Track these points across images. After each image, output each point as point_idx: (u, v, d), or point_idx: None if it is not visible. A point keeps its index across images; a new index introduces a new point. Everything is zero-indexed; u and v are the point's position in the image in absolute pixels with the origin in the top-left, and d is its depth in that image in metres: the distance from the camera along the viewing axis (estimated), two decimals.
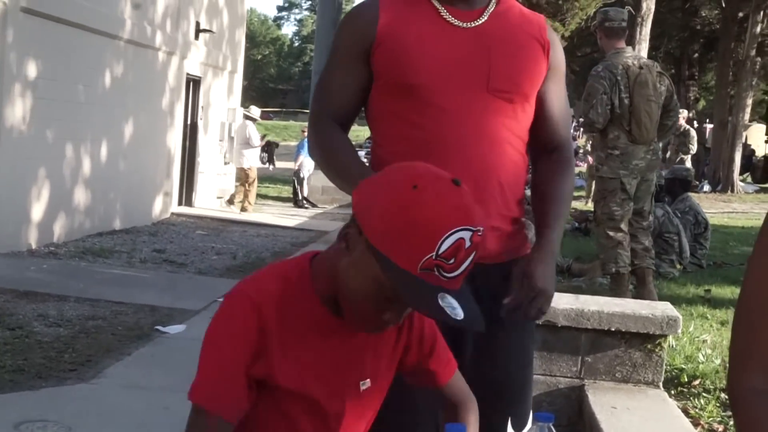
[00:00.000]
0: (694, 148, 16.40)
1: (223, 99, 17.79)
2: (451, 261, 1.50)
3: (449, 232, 1.49)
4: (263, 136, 21.81)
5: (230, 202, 17.23)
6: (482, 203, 2.06)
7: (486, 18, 2.32)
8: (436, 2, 2.31)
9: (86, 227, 11.71)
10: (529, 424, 2.44)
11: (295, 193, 19.29)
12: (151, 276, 9.36)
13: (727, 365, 1.60)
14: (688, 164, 15.65)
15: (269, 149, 28.66)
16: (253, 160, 17.52)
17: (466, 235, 1.51)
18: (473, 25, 2.30)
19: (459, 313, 1.52)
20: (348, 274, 1.60)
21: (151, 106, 13.88)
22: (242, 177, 17.17)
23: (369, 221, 1.53)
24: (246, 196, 16.93)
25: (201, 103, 16.40)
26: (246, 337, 1.61)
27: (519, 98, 2.29)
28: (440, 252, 1.49)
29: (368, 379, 1.74)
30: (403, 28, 2.27)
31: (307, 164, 18.98)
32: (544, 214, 2.34)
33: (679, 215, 9.17)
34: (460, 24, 2.29)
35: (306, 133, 19.30)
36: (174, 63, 14.70)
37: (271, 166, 28.74)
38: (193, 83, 16.00)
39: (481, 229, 1.55)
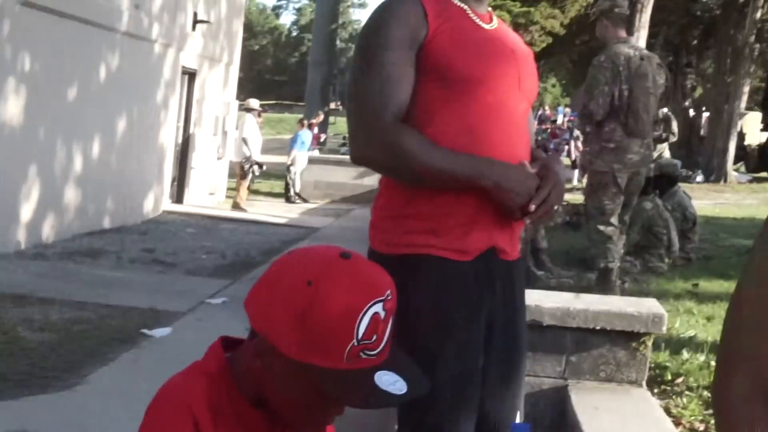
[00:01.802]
0: (674, 136, 16.15)
1: (219, 92, 17.66)
2: (373, 338, 1.43)
3: (361, 314, 1.41)
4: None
5: (236, 205, 16.56)
6: None
7: (497, 24, 2.42)
8: (458, 2, 2.36)
9: (75, 226, 11.61)
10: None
11: (287, 188, 19.02)
12: (139, 277, 9.31)
13: (714, 366, 1.53)
14: (667, 154, 15.42)
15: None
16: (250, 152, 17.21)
17: (378, 307, 1.43)
18: (492, 28, 2.38)
19: (401, 386, 1.45)
20: (274, 387, 1.49)
21: (146, 101, 13.77)
22: (237, 170, 16.90)
23: (278, 337, 1.44)
24: (239, 190, 16.68)
25: (196, 96, 16.25)
26: None
27: (531, 102, 2.46)
28: (360, 337, 1.42)
29: None
30: (448, 24, 2.30)
31: (299, 159, 18.81)
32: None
33: (669, 209, 9.08)
34: (484, 25, 2.36)
35: (303, 126, 18.88)
36: (170, 56, 14.54)
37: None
38: (189, 76, 15.86)
39: (389, 291, 1.47)
